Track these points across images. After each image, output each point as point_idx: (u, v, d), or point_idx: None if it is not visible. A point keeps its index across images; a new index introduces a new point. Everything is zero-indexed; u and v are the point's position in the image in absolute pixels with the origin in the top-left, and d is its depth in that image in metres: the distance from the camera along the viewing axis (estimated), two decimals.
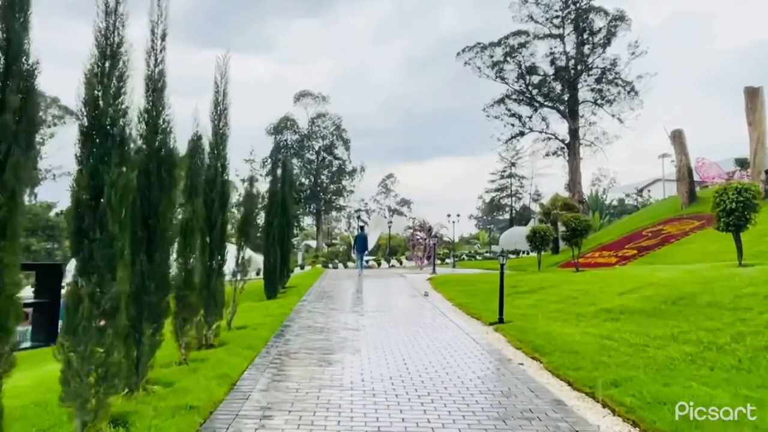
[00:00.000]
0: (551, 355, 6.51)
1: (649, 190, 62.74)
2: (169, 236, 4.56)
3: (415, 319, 9.37)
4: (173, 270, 4.83)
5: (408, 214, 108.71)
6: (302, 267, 44.64)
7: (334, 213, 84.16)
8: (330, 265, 33.91)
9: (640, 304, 8.41)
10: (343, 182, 72.68)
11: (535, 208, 74.12)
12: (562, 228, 29.29)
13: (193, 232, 5.70)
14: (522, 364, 6.44)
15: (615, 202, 59.70)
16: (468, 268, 29.92)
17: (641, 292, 9.34)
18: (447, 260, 38.73)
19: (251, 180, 8.23)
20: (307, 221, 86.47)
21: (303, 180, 71.51)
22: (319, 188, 70.03)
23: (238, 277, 7.99)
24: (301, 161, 71.93)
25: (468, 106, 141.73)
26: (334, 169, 72.62)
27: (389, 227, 44.80)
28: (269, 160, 69.85)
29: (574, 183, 46.93)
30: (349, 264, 30.65)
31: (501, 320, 9.34)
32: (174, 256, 5.25)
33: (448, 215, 31.89)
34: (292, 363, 5.91)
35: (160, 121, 4.50)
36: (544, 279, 13.99)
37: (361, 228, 23.23)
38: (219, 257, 6.55)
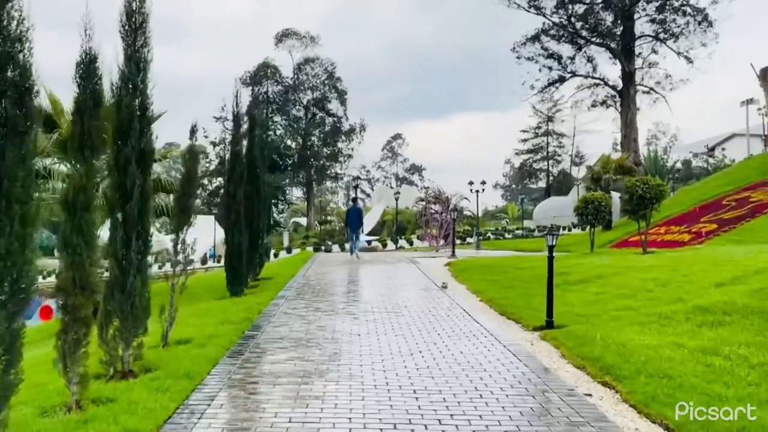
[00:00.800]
0: (632, 381, 5.36)
1: (723, 149, 61.09)
2: (25, 212, 3.34)
3: (430, 324, 8.23)
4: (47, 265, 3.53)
5: (419, 183, 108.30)
6: (289, 250, 44.09)
7: (328, 183, 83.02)
8: (323, 248, 32.96)
9: (752, 301, 7.21)
10: (339, 144, 71.05)
11: (578, 173, 72.58)
12: (617, 196, 28.13)
13: (88, 207, 4.48)
14: (589, 395, 5.29)
15: (679, 165, 58.23)
16: (496, 249, 28.97)
17: (748, 283, 8.14)
18: (469, 239, 37.88)
19: (192, 130, 6.96)
20: (296, 194, 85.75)
21: (289, 142, 70.34)
22: (309, 152, 68.44)
23: (177, 270, 6.83)
24: (286, 119, 70.42)
25: (494, 46, 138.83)
26: (328, 128, 70.87)
27: (396, 199, 43.71)
28: (245, 119, 68.13)
29: (628, 140, 45.33)
30: (346, 246, 29.74)
31: (550, 324, 8.22)
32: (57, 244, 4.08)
33: (470, 183, 30.65)
34: (248, 401, 4.76)
35: None
36: (601, 264, 12.84)
37: (354, 201, 22.66)
38: (140, 243, 5.35)
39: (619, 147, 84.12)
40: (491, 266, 14.95)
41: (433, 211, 28.73)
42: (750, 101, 34.45)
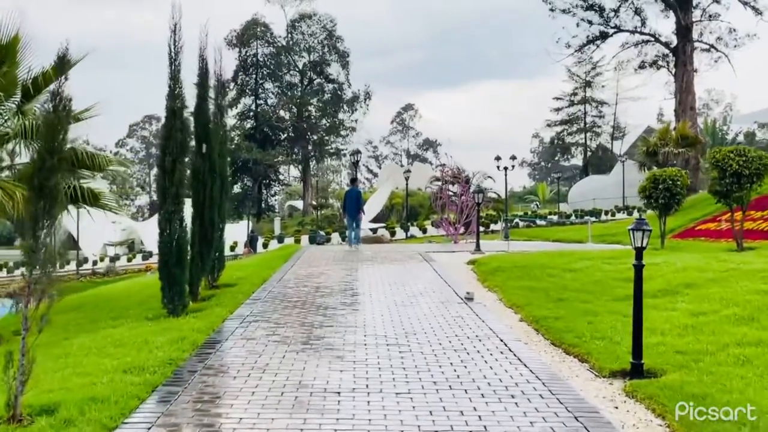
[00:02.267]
0: None
1: None
2: None
3: (451, 369, 6.06)
4: None
5: (434, 161, 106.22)
6: (281, 239, 42.40)
7: (328, 161, 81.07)
8: (318, 240, 31.05)
9: None
10: (341, 115, 69.23)
11: (620, 147, 69.86)
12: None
13: None
14: None
15: (741, 137, 55.51)
16: (528, 240, 27.30)
17: None
18: (493, 227, 35.83)
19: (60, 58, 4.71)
20: (293, 174, 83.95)
21: (282, 113, 68.35)
22: (305, 124, 66.57)
23: (44, 289, 4.67)
24: (279, 85, 68.41)
25: (521, 1, 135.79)
26: (327, 96, 68.88)
27: (407, 179, 41.95)
28: (232, 85, 66.60)
29: (684, 107, 42.75)
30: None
31: (638, 369, 5.99)
32: None
33: (497, 158, 28.39)
34: None
35: None
36: (686, 266, 10.60)
37: (352, 182, 21.21)
38: None
39: (665, 117, 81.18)
40: (530, 266, 12.81)
41: (450, 193, 26.57)
42: None
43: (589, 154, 69.77)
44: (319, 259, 16.11)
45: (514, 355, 6.69)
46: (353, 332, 7.58)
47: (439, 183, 27.92)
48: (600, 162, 67.65)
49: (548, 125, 70.32)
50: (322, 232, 33.76)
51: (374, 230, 38.83)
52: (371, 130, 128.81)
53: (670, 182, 13.56)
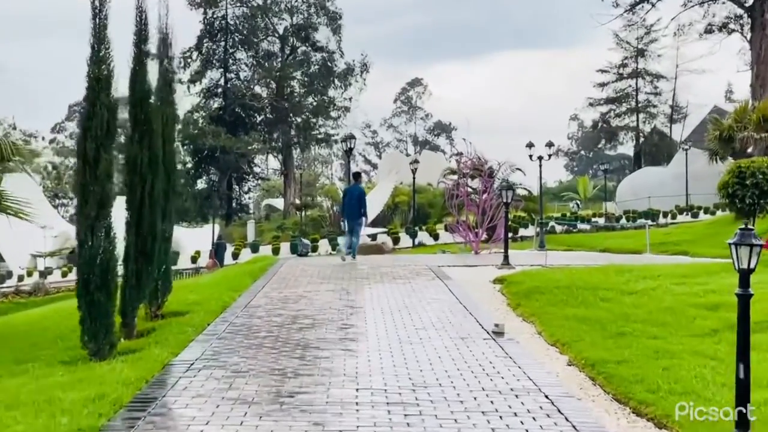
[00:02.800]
0: None
1: None
2: None
3: None
4: None
5: (448, 149, 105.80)
6: (255, 248, 41.73)
7: (315, 149, 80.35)
8: (300, 250, 30.41)
9: None
10: (331, 92, 68.73)
11: (681, 133, 69.07)
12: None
13: None
14: None
15: None
16: (570, 249, 26.62)
17: None
18: (524, 232, 35.11)
19: None
20: (271, 165, 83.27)
21: (258, 89, 67.76)
22: (287, 103, 65.96)
23: None
24: (254, 55, 67.93)
25: None
26: (314, 68, 68.28)
27: (414, 171, 41.31)
28: (195, 55, 66.05)
29: (763, 81, 42.16)
30: (340, 241, 27.34)
31: None
32: None
33: (529, 145, 27.73)
34: None
35: None
36: None
37: (355, 177, 21.03)
38: None
39: (736, 96, 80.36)
40: (576, 287, 12.21)
41: (470, 189, 26.07)
42: None
43: (641, 140, 68.99)
44: (301, 275, 15.45)
45: (566, 419, 5.92)
46: (341, 384, 6.83)
47: (455, 176, 27.61)
48: (656, 150, 67.06)
49: (590, 104, 69.72)
50: (305, 240, 33.00)
51: (373, 236, 38.12)
52: (369, 111, 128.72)
53: (761, 176, 12.82)
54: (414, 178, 42.17)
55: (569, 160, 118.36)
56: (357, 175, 21.34)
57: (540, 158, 28.01)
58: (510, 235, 25.28)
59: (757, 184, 12.91)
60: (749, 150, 26.46)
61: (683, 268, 13.46)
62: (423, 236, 39.04)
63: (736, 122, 25.97)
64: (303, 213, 48.69)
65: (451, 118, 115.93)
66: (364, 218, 19.05)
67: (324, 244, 38.95)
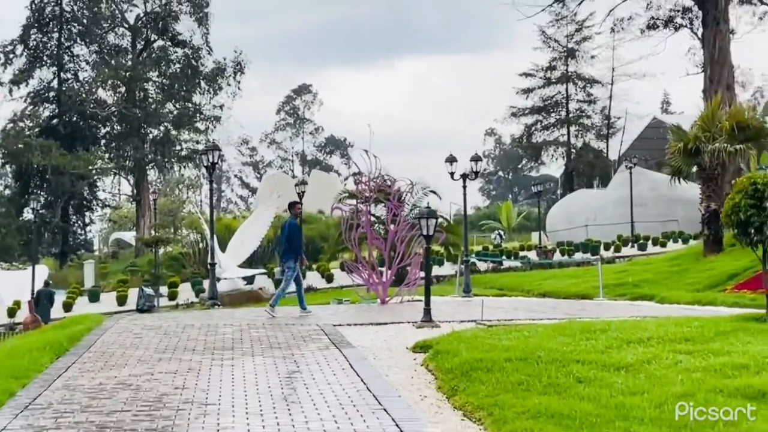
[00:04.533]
0: None
1: None
2: None
3: None
4: None
5: (343, 169, 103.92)
6: (95, 296, 38.31)
7: (178, 169, 76.63)
8: (141, 304, 27.54)
9: None
10: (196, 98, 66.43)
11: (619, 148, 69.33)
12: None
13: None
14: None
15: None
16: (502, 293, 25.68)
17: None
18: (439, 269, 33.40)
19: None
20: (123, 189, 78.97)
21: (102, 94, 64.46)
22: (139, 111, 62.95)
23: None
24: (97, 50, 65.33)
25: None
26: (175, 68, 65.71)
27: (300, 195, 39.22)
28: (20, 49, 61.94)
29: (718, 85, 42.07)
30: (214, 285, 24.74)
31: None
32: None
33: (450, 160, 25.87)
34: None
35: None
36: None
37: (289, 208, 19.82)
38: None
39: (673, 107, 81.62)
40: (534, 359, 10.24)
41: (373, 218, 25.08)
42: None
43: (572, 157, 69.10)
44: (133, 346, 12.77)
45: None
46: None
47: (354, 201, 25.68)
48: (590, 170, 67.16)
49: (513, 114, 69.41)
50: (148, 290, 29.81)
51: (248, 279, 36.10)
52: (247, 125, 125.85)
53: None
54: (301, 203, 39.85)
55: (485, 182, 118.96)
56: (291, 206, 19.82)
57: (465, 177, 26.15)
58: (420, 274, 23.52)
59: None
60: (717, 164, 25.46)
61: (677, 326, 11.48)
62: (313, 278, 37.92)
63: (704, 132, 24.86)
64: (157, 250, 45.46)
65: (346, 132, 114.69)
66: (299, 257, 18.46)
67: (185, 291, 36.28)
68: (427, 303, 15.28)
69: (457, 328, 13.65)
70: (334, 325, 14.80)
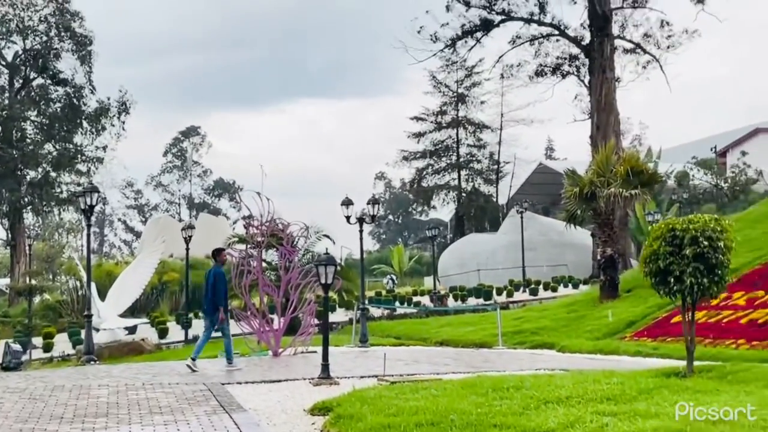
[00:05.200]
0: None
1: (744, 153, 61.82)
2: None
3: None
4: None
5: (233, 214, 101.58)
6: None
7: (57, 213, 73.40)
8: (5, 358, 25.30)
9: None
10: (78, 139, 64.16)
11: (508, 192, 70.04)
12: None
13: None
14: None
15: (671, 180, 57.71)
16: (399, 342, 25.22)
17: None
18: (331, 317, 32.34)
19: None
20: None
21: None
22: (16, 152, 60.13)
23: None
24: None
25: None
26: (56, 107, 63.22)
27: (188, 241, 37.36)
28: None
29: (605, 132, 42.77)
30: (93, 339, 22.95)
31: None
32: None
33: (346, 203, 24.96)
34: None
35: None
36: None
37: (214, 256, 18.54)
38: None
39: (558, 153, 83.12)
40: (447, 425, 9.17)
41: (265, 264, 24.34)
42: None
43: (461, 201, 69.22)
44: None
45: None
46: None
47: (245, 246, 24.38)
48: (481, 214, 67.44)
49: (405, 158, 69.09)
50: (15, 345, 27.22)
51: (131, 329, 34.03)
52: (132, 167, 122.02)
53: (705, 242, 10.33)
54: (188, 249, 38.21)
55: (375, 226, 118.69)
56: (216, 253, 18.43)
57: (361, 220, 25.23)
58: (314, 322, 22.45)
59: (703, 254, 10.30)
60: (611, 210, 25.38)
61: (596, 382, 10.69)
62: (199, 326, 34.87)
63: (598, 177, 24.72)
64: (31, 298, 42.79)
65: (236, 175, 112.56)
66: (223, 310, 17.33)
67: (62, 342, 33.85)
68: (325, 358, 14.09)
69: (358, 386, 12.59)
70: (223, 384, 13.54)
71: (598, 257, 26.14)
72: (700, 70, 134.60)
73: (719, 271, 10.55)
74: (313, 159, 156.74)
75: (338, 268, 24.83)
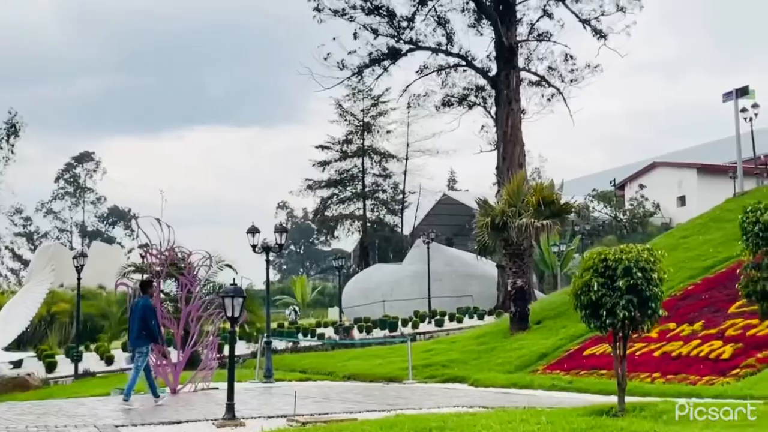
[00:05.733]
0: None
1: (642, 186, 63.35)
2: None
3: None
4: None
5: (128, 242, 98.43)
6: None
7: None
8: None
9: None
10: None
11: (413, 221, 69.75)
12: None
13: None
14: None
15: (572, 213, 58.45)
16: (305, 375, 24.59)
17: None
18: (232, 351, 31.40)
19: None
20: None
21: None
22: None
23: None
24: None
25: (263, 12, 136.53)
26: None
27: (79, 270, 35.77)
28: None
29: (511, 163, 42.84)
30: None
31: None
32: None
33: (252, 231, 24.00)
34: None
35: None
36: None
37: (143, 288, 17.48)
38: None
39: (460, 184, 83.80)
40: None
41: (163, 294, 22.64)
42: (743, 93, 32.92)
43: (367, 231, 68.61)
44: None
45: None
46: None
47: (141, 276, 24.05)
48: (386, 245, 66.97)
49: (309, 187, 68.06)
50: None
51: (16, 363, 32.29)
52: (22, 192, 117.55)
53: (638, 273, 9.84)
54: (79, 278, 36.57)
55: (276, 255, 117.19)
56: (146, 285, 17.48)
57: (268, 249, 24.32)
58: (215, 356, 21.36)
59: (636, 286, 9.81)
60: (523, 240, 25.13)
61: (524, 422, 9.99)
62: (91, 360, 35.04)
63: (510, 207, 24.45)
64: None
65: (131, 203, 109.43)
66: (145, 345, 16.54)
67: None
68: (230, 397, 13.05)
69: (267, 427, 11.67)
70: (117, 426, 12.44)
71: (509, 288, 25.79)
72: (599, 105, 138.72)
73: (653, 304, 10.07)
74: (212, 187, 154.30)
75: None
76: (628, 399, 13.53)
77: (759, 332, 17.10)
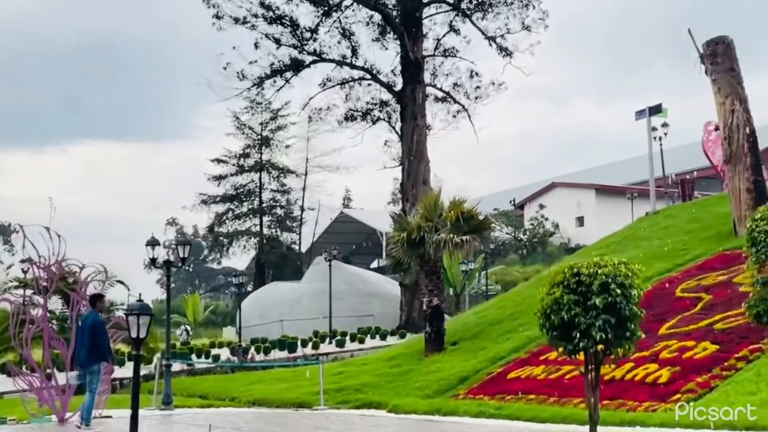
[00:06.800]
0: None
1: (542, 206, 63.94)
2: None
3: None
4: None
5: (6, 258, 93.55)
6: None
7: None
8: None
9: None
10: None
11: (312, 239, 68.52)
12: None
13: None
14: None
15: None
16: (206, 402, 22.88)
17: None
18: (120, 371, 29.08)
19: None
20: None
21: None
22: None
23: None
24: None
25: (157, 23, 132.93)
26: None
27: None
28: None
29: (413, 182, 42.12)
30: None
31: None
32: None
33: (153, 244, 22.25)
34: None
35: None
36: None
37: (92, 302, 16.73)
38: None
39: (355, 202, 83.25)
40: None
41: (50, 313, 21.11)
42: (656, 111, 32.91)
43: (264, 249, 66.85)
44: None
45: None
46: None
47: (25, 291, 21.70)
48: (284, 263, 65.35)
49: (204, 202, 66.01)
50: None
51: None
52: None
53: (617, 290, 8.78)
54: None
55: (162, 274, 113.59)
56: (96, 299, 16.68)
57: (169, 264, 22.64)
58: (110, 378, 19.45)
59: (615, 304, 8.70)
60: (440, 257, 24.15)
61: None
62: None
63: (426, 221, 23.43)
64: None
65: (11, 217, 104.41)
66: (103, 362, 15.95)
67: None
68: (134, 418, 11.42)
69: None
70: None
71: (425, 307, 24.67)
72: (499, 125, 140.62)
73: (631, 325, 9.02)
74: (98, 203, 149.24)
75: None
76: (572, 428, 12.56)
77: (695, 355, 16.32)
